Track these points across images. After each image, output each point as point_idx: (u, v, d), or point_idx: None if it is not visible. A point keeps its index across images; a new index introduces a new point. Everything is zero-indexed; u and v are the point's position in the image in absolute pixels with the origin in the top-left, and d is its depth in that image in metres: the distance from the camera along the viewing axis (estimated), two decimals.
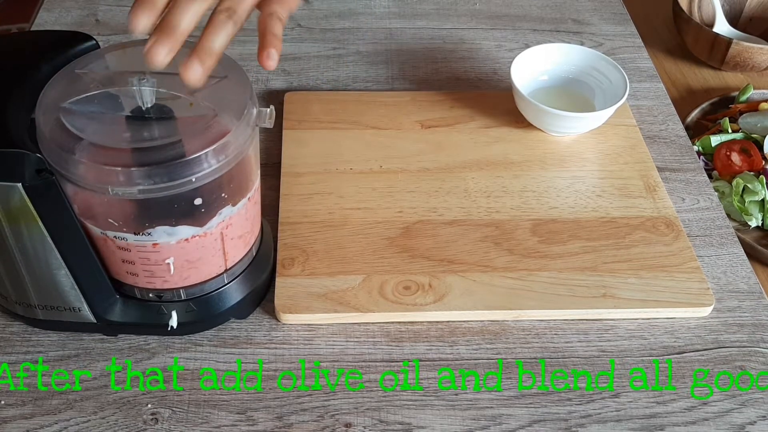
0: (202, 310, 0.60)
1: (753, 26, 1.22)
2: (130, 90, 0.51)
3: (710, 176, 0.96)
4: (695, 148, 0.98)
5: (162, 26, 0.46)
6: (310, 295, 0.64)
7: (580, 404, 0.59)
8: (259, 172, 0.59)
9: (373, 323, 0.64)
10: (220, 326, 0.63)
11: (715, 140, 0.99)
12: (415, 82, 0.88)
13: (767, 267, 0.90)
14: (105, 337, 0.62)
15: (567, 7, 1.02)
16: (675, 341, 0.64)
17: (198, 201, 0.53)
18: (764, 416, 0.59)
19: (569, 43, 0.87)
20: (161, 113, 0.52)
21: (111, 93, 0.52)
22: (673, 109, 0.87)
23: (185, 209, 0.54)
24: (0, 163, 0.50)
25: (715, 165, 0.98)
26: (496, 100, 0.84)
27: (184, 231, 0.54)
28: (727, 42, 1.08)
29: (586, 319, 0.65)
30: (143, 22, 0.46)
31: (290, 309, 0.63)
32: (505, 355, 0.62)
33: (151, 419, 0.57)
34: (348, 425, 0.57)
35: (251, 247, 0.62)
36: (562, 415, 0.58)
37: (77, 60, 0.55)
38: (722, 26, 1.18)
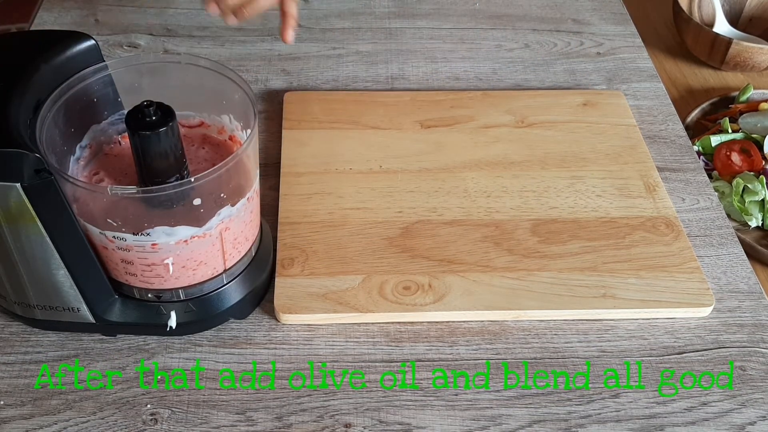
0: (201, 311, 0.60)
1: (753, 26, 1.21)
2: None
3: (710, 176, 0.95)
4: (695, 148, 0.98)
5: None
6: (310, 296, 0.64)
7: (580, 404, 0.59)
8: (258, 172, 0.59)
9: (372, 323, 0.64)
10: (219, 326, 0.63)
11: (715, 140, 0.99)
12: (415, 82, 0.88)
13: (767, 267, 0.90)
14: (104, 337, 0.62)
15: (567, 7, 1.02)
16: (675, 341, 0.64)
17: (197, 201, 0.53)
18: (764, 416, 0.59)
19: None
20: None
21: None
22: (673, 109, 0.87)
23: (184, 209, 0.54)
24: None
25: (715, 165, 0.97)
26: (496, 100, 0.84)
27: (183, 231, 0.54)
28: (727, 42, 1.08)
29: (586, 320, 0.65)
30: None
31: (290, 309, 0.63)
32: (505, 356, 0.62)
33: (151, 419, 0.57)
34: (348, 425, 0.57)
35: (250, 247, 0.62)
36: (562, 415, 0.58)
37: None
38: (722, 26, 1.17)
